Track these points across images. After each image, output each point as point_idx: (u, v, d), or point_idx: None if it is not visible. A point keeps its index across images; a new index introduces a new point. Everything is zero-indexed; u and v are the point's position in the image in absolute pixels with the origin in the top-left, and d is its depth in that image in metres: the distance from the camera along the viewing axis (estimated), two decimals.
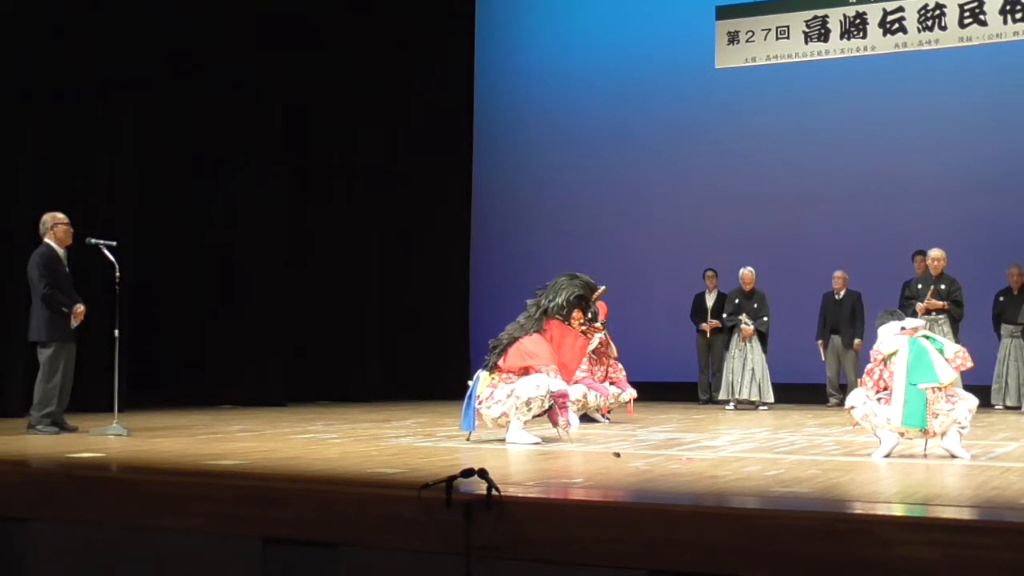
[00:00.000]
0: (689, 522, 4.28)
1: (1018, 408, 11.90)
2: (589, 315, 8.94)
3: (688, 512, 4.38)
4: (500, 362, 7.66)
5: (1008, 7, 13.36)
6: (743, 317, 12.43)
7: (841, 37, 14.12)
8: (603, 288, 9.14)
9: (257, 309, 12.44)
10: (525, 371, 7.58)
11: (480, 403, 7.59)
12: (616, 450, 6.84)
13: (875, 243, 13.44)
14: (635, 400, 10.26)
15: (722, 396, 12.52)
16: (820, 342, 13.07)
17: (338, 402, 13.10)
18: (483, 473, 4.53)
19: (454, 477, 4.54)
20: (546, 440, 7.58)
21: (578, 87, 15.17)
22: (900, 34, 13.85)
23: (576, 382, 8.90)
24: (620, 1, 15.22)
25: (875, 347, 6.76)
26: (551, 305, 7.86)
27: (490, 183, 15.60)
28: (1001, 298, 12.37)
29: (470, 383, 7.85)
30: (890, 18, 13.90)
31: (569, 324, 8.09)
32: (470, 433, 7.68)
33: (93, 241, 8.52)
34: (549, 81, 15.35)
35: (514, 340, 7.70)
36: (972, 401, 6.52)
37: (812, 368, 13.16)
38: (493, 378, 7.64)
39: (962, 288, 11.60)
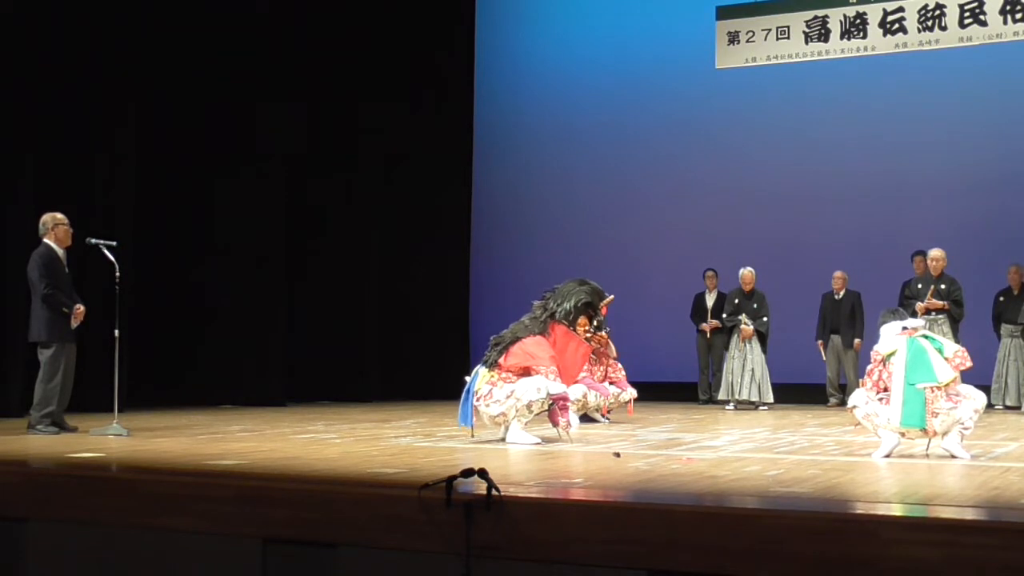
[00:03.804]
0: (689, 522, 4.28)
1: (1018, 408, 11.90)
2: (595, 323, 8.91)
3: (688, 512, 4.38)
4: (501, 360, 7.65)
5: (1008, 7, 13.36)
6: (743, 317, 12.43)
7: (841, 37, 14.12)
8: (611, 297, 9.11)
9: (257, 309, 12.43)
10: (525, 371, 7.58)
11: (479, 399, 7.58)
12: (616, 450, 6.84)
13: (875, 243, 13.45)
14: (635, 400, 10.26)
15: (722, 396, 12.51)
16: (820, 342, 13.08)
17: (338, 402, 13.10)
18: (483, 473, 4.53)
19: (454, 477, 4.54)
20: (546, 440, 7.58)
21: (578, 87, 15.17)
22: (900, 34, 13.85)
23: (576, 382, 8.88)
24: (620, 1, 15.22)
25: (875, 347, 6.76)
26: (558, 310, 7.85)
27: (490, 183, 15.60)
28: (1001, 298, 12.37)
29: (467, 378, 7.85)
30: (890, 18, 13.90)
31: (574, 330, 8.07)
32: (471, 429, 7.68)
33: (93, 241, 8.52)
34: (549, 81, 15.35)
35: (516, 339, 7.69)
36: (979, 400, 6.45)
37: (812, 368, 13.16)
38: (492, 375, 7.63)
39: (962, 288, 11.60)
